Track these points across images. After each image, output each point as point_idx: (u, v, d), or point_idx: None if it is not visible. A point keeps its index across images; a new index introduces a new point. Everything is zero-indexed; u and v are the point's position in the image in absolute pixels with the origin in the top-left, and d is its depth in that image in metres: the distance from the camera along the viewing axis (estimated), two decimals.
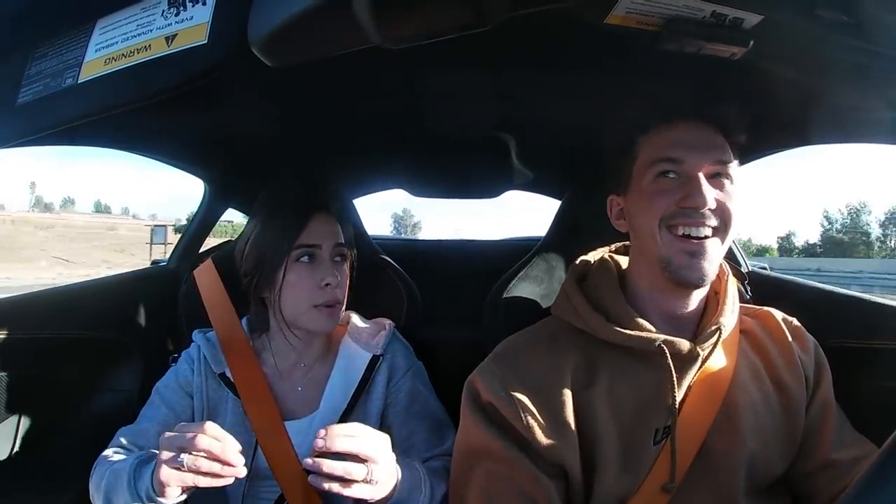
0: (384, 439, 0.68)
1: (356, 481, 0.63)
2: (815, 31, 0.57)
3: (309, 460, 0.62)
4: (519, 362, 0.69)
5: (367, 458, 0.64)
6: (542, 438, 0.63)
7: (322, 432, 0.63)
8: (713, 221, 0.64)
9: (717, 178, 0.66)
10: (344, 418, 0.87)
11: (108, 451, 0.85)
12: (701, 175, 0.64)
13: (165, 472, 0.63)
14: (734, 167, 0.67)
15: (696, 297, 0.69)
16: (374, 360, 0.89)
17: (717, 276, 0.71)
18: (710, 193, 0.64)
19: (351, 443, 0.64)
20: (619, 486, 0.64)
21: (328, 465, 0.62)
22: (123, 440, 0.85)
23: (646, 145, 0.68)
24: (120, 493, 0.70)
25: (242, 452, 0.83)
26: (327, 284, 0.83)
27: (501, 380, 0.67)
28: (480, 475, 0.65)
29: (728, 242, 0.67)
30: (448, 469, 0.79)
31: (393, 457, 0.69)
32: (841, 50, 0.60)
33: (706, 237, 0.64)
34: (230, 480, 0.65)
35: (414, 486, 0.72)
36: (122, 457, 0.79)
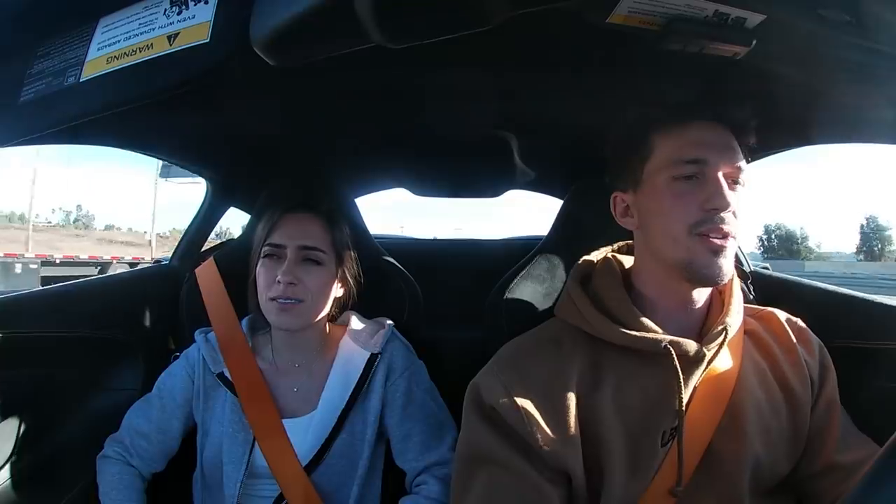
0: None
1: None
2: (818, 31, 0.57)
3: None
4: (522, 366, 0.68)
5: None
6: (546, 444, 0.62)
7: None
8: (733, 224, 0.64)
9: (732, 182, 0.65)
10: (343, 417, 0.87)
11: (110, 454, 0.90)
12: (721, 176, 0.64)
13: None
14: (745, 170, 0.67)
15: (704, 296, 0.69)
16: (373, 359, 0.90)
17: None
18: (731, 196, 0.64)
19: None
20: (626, 490, 0.63)
21: None
22: (126, 441, 0.90)
23: (663, 144, 0.67)
24: None
25: (240, 450, 0.84)
26: (279, 281, 0.84)
27: (505, 384, 0.66)
28: (482, 481, 0.64)
29: (738, 242, 0.67)
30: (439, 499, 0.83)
31: None
32: (843, 49, 0.60)
33: (726, 236, 0.64)
34: None
35: None
36: (120, 466, 0.89)
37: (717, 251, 0.63)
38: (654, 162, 0.68)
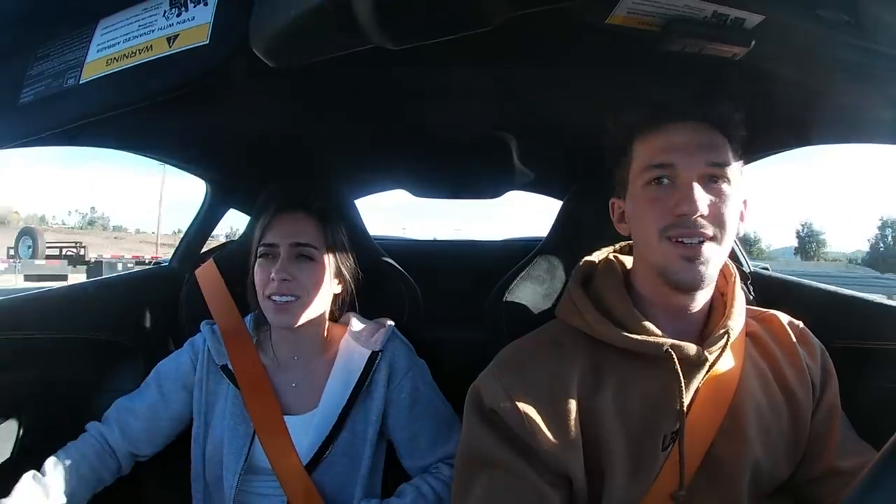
0: None
1: None
2: (817, 31, 0.57)
3: None
4: (524, 369, 0.67)
5: None
6: (547, 447, 0.62)
7: None
8: (708, 228, 0.63)
9: (712, 182, 0.64)
10: (344, 416, 0.87)
11: (89, 429, 0.90)
12: (693, 181, 0.63)
13: None
14: (733, 169, 0.65)
15: (701, 299, 0.68)
16: (374, 357, 0.90)
17: (724, 277, 0.71)
18: (703, 200, 0.62)
19: None
20: (627, 493, 0.63)
21: None
22: (113, 416, 0.91)
23: (639, 150, 0.68)
24: None
25: (240, 442, 0.84)
26: (273, 279, 0.85)
27: (505, 387, 0.65)
28: (482, 485, 0.64)
29: (728, 245, 0.65)
30: (438, 491, 0.84)
31: None
32: (842, 49, 0.60)
33: (701, 242, 0.63)
34: None
35: None
36: (98, 443, 0.89)
37: (692, 256, 0.62)
38: (633, 168, 0.68)
